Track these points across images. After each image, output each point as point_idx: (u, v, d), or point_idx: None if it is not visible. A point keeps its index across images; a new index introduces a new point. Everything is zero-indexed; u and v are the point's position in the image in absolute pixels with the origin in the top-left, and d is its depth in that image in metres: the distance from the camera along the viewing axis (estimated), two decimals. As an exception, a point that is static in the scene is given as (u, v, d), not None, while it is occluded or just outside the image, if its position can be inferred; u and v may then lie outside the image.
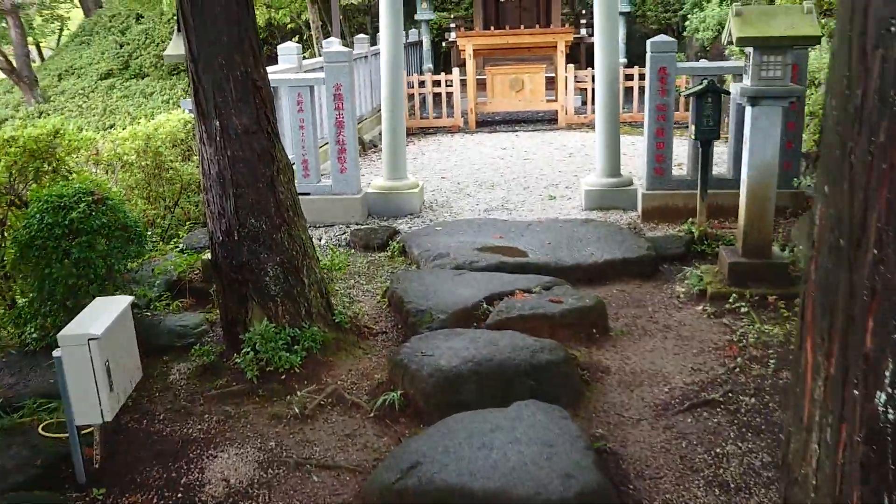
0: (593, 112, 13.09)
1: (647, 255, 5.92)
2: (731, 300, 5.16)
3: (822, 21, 6.94)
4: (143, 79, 20.37)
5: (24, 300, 5.06)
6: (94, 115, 19.71)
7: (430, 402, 3.87)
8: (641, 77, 12.50)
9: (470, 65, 13.20)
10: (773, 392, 3.97)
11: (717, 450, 3.54)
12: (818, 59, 7.31)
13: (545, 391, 3.87)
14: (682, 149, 7.88)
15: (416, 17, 15.13)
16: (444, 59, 18.67)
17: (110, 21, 22.41)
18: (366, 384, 4.30)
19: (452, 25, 16.89)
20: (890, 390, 1.49)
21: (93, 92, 20.22)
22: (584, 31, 16.37)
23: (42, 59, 26.63)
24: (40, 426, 3.87)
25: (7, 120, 19.40)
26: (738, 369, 4.27)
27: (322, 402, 4.11)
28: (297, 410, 4.02)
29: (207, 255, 5.28)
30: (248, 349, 4.37)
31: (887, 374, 1.49)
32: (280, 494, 3.42)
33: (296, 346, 4.44)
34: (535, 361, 3.97)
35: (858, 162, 1.58)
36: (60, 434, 3.72)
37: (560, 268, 5.73)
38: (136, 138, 7.75)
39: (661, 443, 3.62)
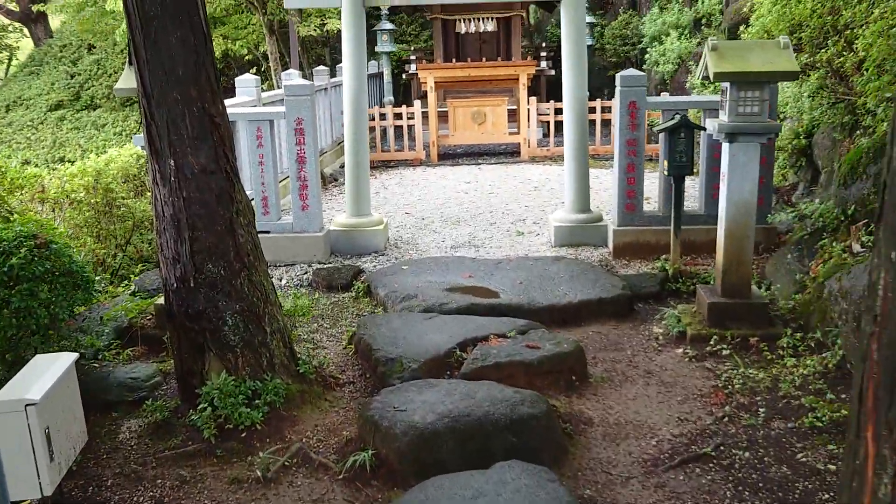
0: (556, 145, 13.08)
1: (622, 294, 5.73)
2: (711, 342, 4.98)
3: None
4: (94, 110, 19.87)
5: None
6: (42, 148, 19.14)
7: (404, 462, 3.59)
8: (604, 110, 12.50)
9: (431, 97, 13.05)
10: (767, 445, 3.77)
11: (714, 511, 3.32)
12: (781, 92, 7.27)
13: (527, 447, 3.62)
14: (650, 182, 7.76)
15: (377, 49, 14.97)
16: (405, 90, 18.53)
17: (61, 51, 21.89)
18: (333, 441, 4.00)
19: (413, 57, 16.76)
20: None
21: (42, 123, 19.65)
22: (543, 64, 16.38)
23: (-11, 89, 25.90)
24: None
25: (-50, 153, 18.74)
26: (726, 419, 4.06)
27: (286, 464, 3.79)
28: (258, 473, 3.70)
29: (161, 300, 4.95)
30: (206, 405, 4.04)
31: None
32: (241, 573, 3.10)
33: (257, 401, 4.12)
34: (516, 416, 3.71)
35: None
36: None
37: (534, 309, 5.51)
38: (86, 174, 7.39)
39: (654, 504, 3.39)
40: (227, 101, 8.44)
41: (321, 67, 13.04)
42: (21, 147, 18.73)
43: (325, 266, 6.82)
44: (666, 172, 6.12)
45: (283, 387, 4.23)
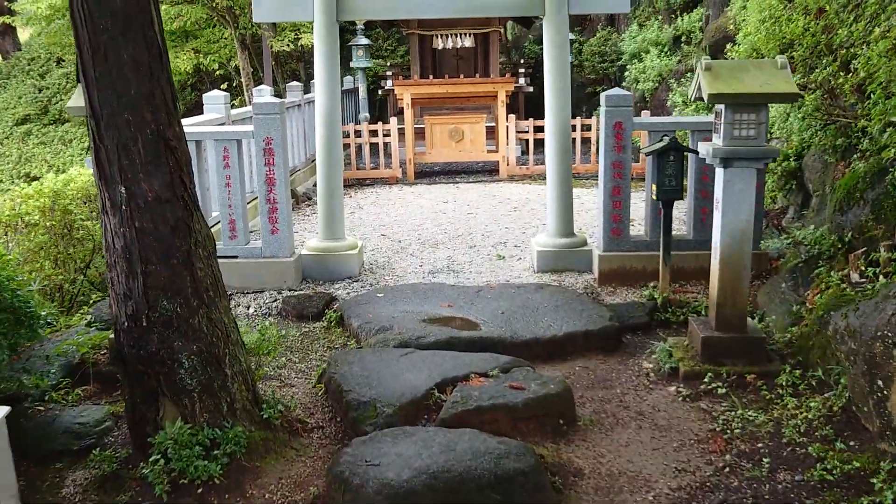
0: (536, 163, 12.81)
1: (609, 326, 5.42)
2: (706, 380, 4.68)
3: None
4: (62, 125, 19.36)
5: None
6: (7, 163, 18.60)
7: (377, 525, 3.23)
8: (584, 128, 12.25)
9: (408, 114, 12.75)
10: (774, 501, 3.45)
11: (721, 580, 3.00)
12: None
13: (513, 507, 3.28)
14: (635, 204, 7.48)
15: (352, 64, 14.66)
16: (381, 106, 18.23)
17: (29, 64, 21.36)
18: (299, 498, 3.63)
19: (389, 73, 16.49)
20: None
21: (7, 138, 19.11)
22: (522, 80, 16.17)
23: (-46, 102, 25.22)
24: None
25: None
26: (727, 469, 3.75)
27: (246, 525, 3.43)
28: (215, 537, 3.33)
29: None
30: (158, 456, 3.66)
31: None
32: None
33: (216, 451, 3.75)
34: (501, 471, 3.37)
35: None
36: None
37: (517, 343, 5.19)
38: (42, 195, 6.97)
39: (654, 572, 3.06)
40: (193, 119, 8.10)
41: (294, 83, 12.71)
42: (-16, 162, 18.19)
43: (296, 293, 6.45)
44: (654, 197, 5.84)
45: (244, 435, 3.86)
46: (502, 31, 16.80)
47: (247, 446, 3.84)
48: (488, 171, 13.23)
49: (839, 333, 4.19)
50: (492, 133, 13.49)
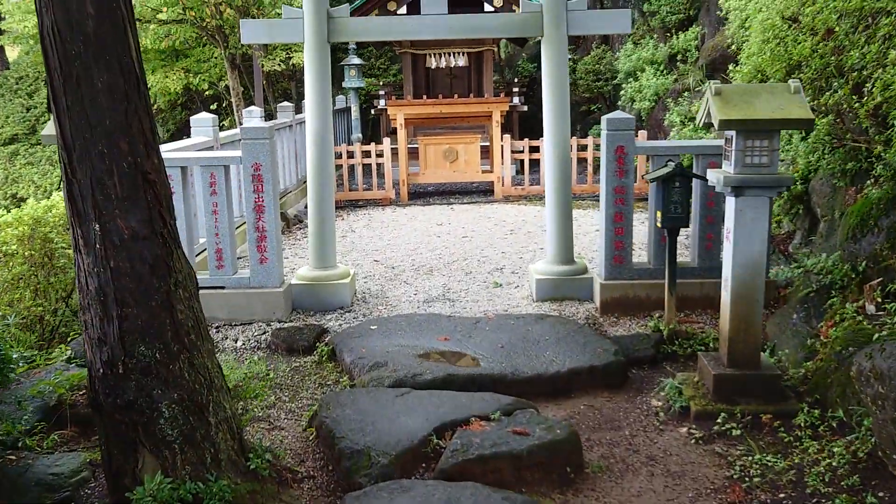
0: (531, 183, 12.61)
1: (614, 361, 5.17)
2: (719, 420, 4.42)
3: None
4: (50, 145, 19.05)
5: None
6: (-7, 184, 18.29)
7: None
8: (580, 148, 12.05)
9: (401, 134, 12.54)
10: (803, 563, 3.20)
11: None
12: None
13: (521, 572, 3.01)
14: (634, 227, 7.25)
15: (344, 84, 14.46)
16: (373, 126, 18.04)
17: (17, 83, 21.10)
18: (288, 560, 3.36)
19: (382, 93, 16.30)
20: None
21: (-7, 159, 18.81)
22: (516, 100, 16.00)
23: (-59, 122, 24.92)
24: None
25: None
26: (749, 523, 3.49)
27: (230, 593, 3.15)
28: None
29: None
30: (136, 514, 3.38)
31: None
32: None
33: (198, 508, 3.47)
34: (507, 532, 3.11)
35: None
36: None
37: (518, 380, 4.93)
38: (21, 223, 6.70)
39: None
40: (180, 143, 7.84)
41: (285, 103, 12.49)
42: (-30, 183, 17.90)
43: (286, 326, 6.19)
44: (659, 224, 5.61)
45: (229, 489, 3.58)
46: (496, 49, 16.64)
47: (232, 501, 3.57)
48: (483, 192, 13.03)
49: (864, 375, 3.95)
50: (486, 153, 13.29)
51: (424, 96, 15.21)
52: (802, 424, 4.30)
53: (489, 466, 3.76)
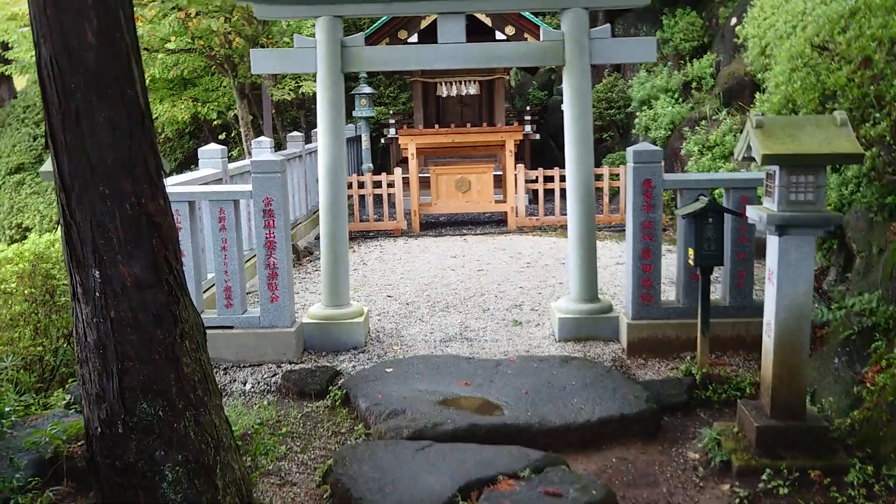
0: (546, 213, 12.35)
1: (647, 409, 4.85)
2: (764, 477, 4.10)
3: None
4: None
5: None
6: (-1, 214, 18.13)
7: None
8: (596, 178, 11.78)
9: (413, 164, 12.31)
10: None
11: None
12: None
13: None
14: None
15: (355, 113, 14.26)
16: (383, 154, 17.84)
17: (24, 112, 21.03)
18: None
19: (392, 121, 16.11)
20: None
21: (-1, 188, 18.67)
22: (528, 128, 15.78)
23: (-51, 151, 24.86)
24: None
25: None
26: None
27: None
28: None
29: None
30: (135, 590, 3.09)
31: None
32: None
33: (203, 581, 3.17)
34: None
35: None
36: None
37: (546, 430, 4.62)
38: (22, 259, 6.44)
39: None
40: (188, 176, 7.61)
41: (295, 133, 12.30)
42: (-25, 213, 17.74)
43: (297, 368, 5.90)
44: (692, 263, 5.32)
45: (238, 559, 3.28)
46: (507, 77, 16.46)
47: (240, 573, 3.27)
48: (496, 222, 12.77)
49: (929, 433, 3.63)
50: (498, 182, 13.05)
51: (436, 125, 15.01)
52: (855, 483, 3.98)
53: (521, 533, 3.45)
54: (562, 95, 6.57)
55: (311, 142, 13.40)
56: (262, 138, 10.11)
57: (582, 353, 6.09)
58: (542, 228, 12.06)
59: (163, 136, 18.63)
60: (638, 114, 14.27)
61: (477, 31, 12.48)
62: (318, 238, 11.05)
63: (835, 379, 5.05)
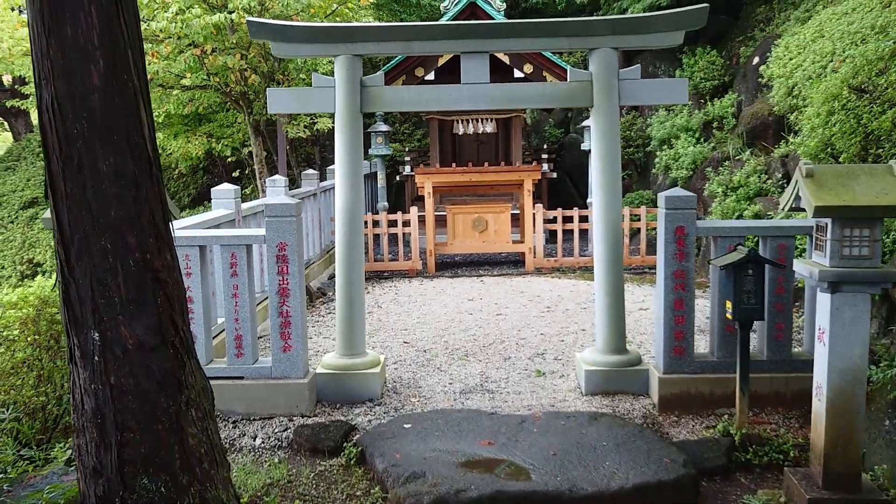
0: (565, 254, 12.07)
1: (685, 474, 4.52)
2: (819, 556, 3.76)
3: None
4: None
5: None
6: (11, 249, 18.00)
7: None
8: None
9: (429, 203, 12.08)
10: None
11: None
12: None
13: None
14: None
15: (371, 151, 14.09)
16: (398, 192, 17.67)
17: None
18: None
19: (407, 159, 15.95)
20: None
21: (12, 222, 18.59)
22: (545, 166, 15.57)
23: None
24: None
25: None
26: None
27: None
28: None
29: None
30: None
31: None
32: None
33: None
34: None
35: None
36: None
37: (577, 498, 4.29)
38: (26, 304, 6.20)
39: None
40: (199, 218, 7.37)
41: (310, 171, 12.11)
42: (-13, 248, 17.63)
43: (309, 422, 5.59)
44: (730, 316, 5.01)
45: None
46: (524, 115, 16.29)
47: None
48: (513, 263, 12.49)
49: None
50: (515, 221, 12.80)
51: (453, 163, 14.82)
52: (921, 565, 3.63)
53: None
54: (578, 133, 6.33)
55: (325, 179, 13.21)
56: (276, 177, 9.90)
57: (611, 408, 5.77)
58: (560, 270, 11.77)
59: (176, 171, 18.54)
60: (658, 153, 14.05)
61: (495, 69, 12.29)
62: (331, 278, 10.80)
63: (886, 443, 4.71)
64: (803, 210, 3.98)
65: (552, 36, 5.96)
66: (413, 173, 14.02)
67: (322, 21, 11.36)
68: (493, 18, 13.28)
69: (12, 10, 18.94)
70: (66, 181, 2.82)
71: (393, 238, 12.12)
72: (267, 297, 6.00)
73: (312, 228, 11.40)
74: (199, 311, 5.71)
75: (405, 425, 5.38)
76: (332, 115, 6.05)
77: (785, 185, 10.29)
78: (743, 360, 5.04)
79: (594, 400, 5.94)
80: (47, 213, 4.45)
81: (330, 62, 12.24)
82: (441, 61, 13.28)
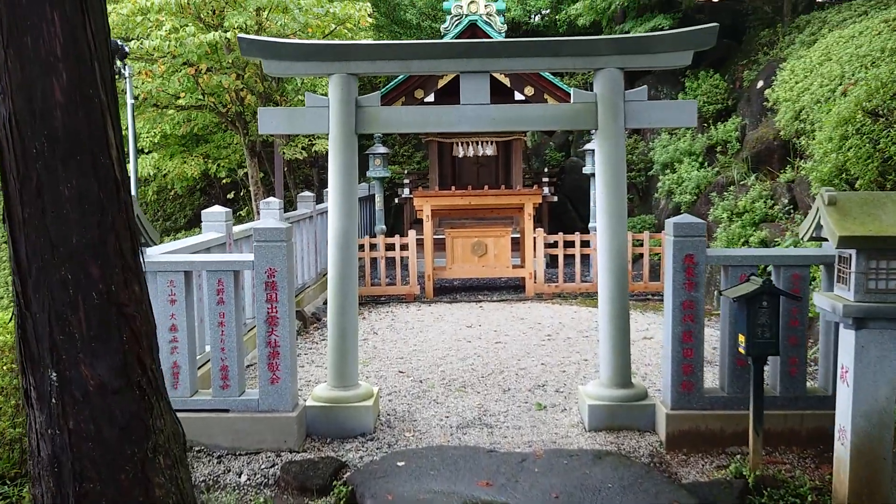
0: (566, 280, 11.80)
1: (697, 521, 4.23)
2: None
3: None
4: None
5: None
6: (5, 270, 17.71)
7: None
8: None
9: (427, 227, 11.84)
10: None
11: None
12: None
13: None
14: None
15: (368, 174, 13.87)
16: (395, 215, 17.44)
17: None
18: None
19: (406, 181, 15.73)
20: None
21: (6, 243, 18.32)
22: (546, 190, 15.35)
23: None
24: None
25: None
26: None
27: None
28: None
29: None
30: None
31: None
32: None
33: None
34: None
35: None
36: None
37: (581, 548, 4.00)
38: (6, 331, 5.91)
39: None
40: (187, 242, 7.09)
41: (306, 193, 11.87)
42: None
43: (298, 458, 5.30)
44: (743, 351, 4.74)
45: None
46: (524, 138, 16.10)
47: None
48: (513, 288, 12.23)
49: None
50: (515, 246, 12.55)
51: (452, 186, 14.60)
52: None
53: None
54: (579, 157, 6.09)
55: (322, 201, 12.98)
56: (270, 199, 9.65)
57: (616, 445, 5.48)
58: (561, 295, 11.50)
59: (172, 192, 18.32)
60: (661, 177, 13.84)
61: (495, 92, 12.07)
62: (325, 303, 10.52)
63: (910, 488, 4.42)
64: (824, 239, 3.72)
65: (555, 55, 5.74)
66: (412, 196, 13.79)
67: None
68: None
69: None
70: (23, 205, 2.56)
71: (390, 262, 11.86)
72: (254, 327, 5.73)
73: (308, 252, 11.15)
74: (183, 340, 5.44)
75: (398, 463, 5.10)
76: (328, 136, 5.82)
77: (792, 211, 10.06)
78: (757, 397, 4.76)
79: (598, 436, 5.65)
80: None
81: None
82: (441, 83, 13.10)
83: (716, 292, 7.90)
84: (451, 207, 12.94)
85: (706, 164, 13.27)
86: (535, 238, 11.69)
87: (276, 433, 5.46)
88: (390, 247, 11.71)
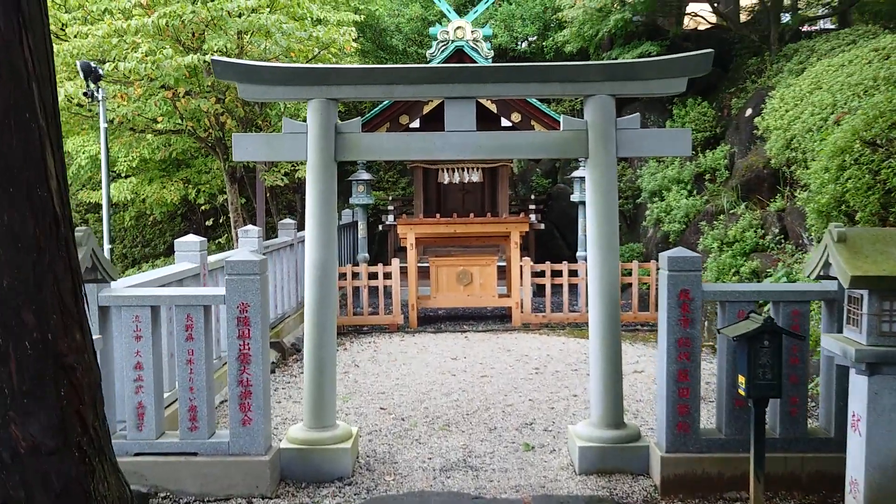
0: (553, 309, 11.53)
1: (697, 579, 3.94)
2: None
3: None
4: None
5: None
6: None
7: None
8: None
9: (411, 255, 11.57)
10: None
11: None
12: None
13: None
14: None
15: (351, 200, 13.60)
16: (379, 242, 17.15)
17: None
18: None
19: (391, 208, 15.47)
20: None
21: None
22: (532, 217, 15.12)
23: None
24: None
25: None
26: None
27: None
28: None
29: None
30: None
31: None
32: None
33: None
34: None
35: None
36: None
37: None
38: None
39: None
40: (155, 273, 6.76)
41: (287, 220, 11.59)
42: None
43: (270, 505, 4.98)
44: (743, 393, 4.47)
45: None
46: (511, 164, 15.89)
47: None
48: (499, 318, 11.94)
49: None
50: (501, 274, 12.28)
51: (437, 213, 14.35)
52: None
53: None
54: (567, 184, 5.85)
55: (304, 228, 12.70)
56: (248, 227, 9.36)
57: (608, 490, 5.18)
58: (549, 326, 11.23)
59: (151, 218, 17.97)
60: (649, 205, 13.66)
61: (481, 118, 11.86)
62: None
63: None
64: (833, 278, 3.47)
65: (544, 81, 5.51)
66: (396, 223, 13.52)
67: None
68: (480, 66, 12.94)
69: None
70: (-51, 243, 2.27)
71: (373, 291, 11.56)
72: (225, 364, 5.42)
73: (288, 281, 10.84)
74: (149, 379, 5.12)
75: (378, 512, 4.78)
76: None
77: (783, 241, 9.87)
78: (758, 441, 4.49)
79: (589, 480, 5.35)
80: None
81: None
82: (427, 108, 12.88)
83: (712, 327, 7.65)
84: (436, 235, 12.70)
85: (695, 192, 13.10)
86: (521, 267, 11.43)
87: (248, 478, 5.13)
88: (373, 275, 11.42)
